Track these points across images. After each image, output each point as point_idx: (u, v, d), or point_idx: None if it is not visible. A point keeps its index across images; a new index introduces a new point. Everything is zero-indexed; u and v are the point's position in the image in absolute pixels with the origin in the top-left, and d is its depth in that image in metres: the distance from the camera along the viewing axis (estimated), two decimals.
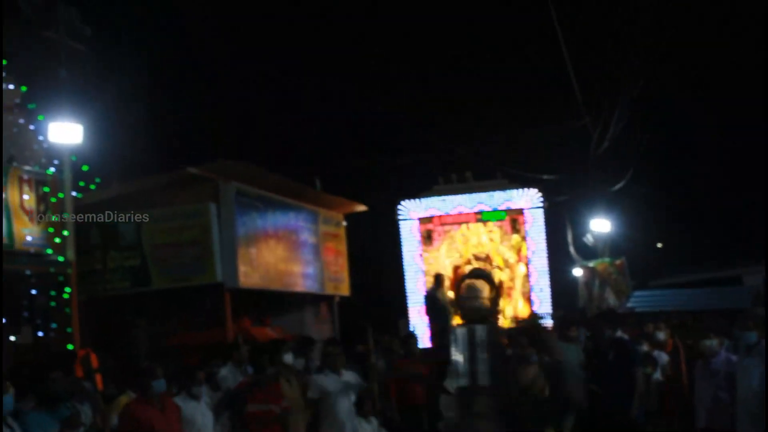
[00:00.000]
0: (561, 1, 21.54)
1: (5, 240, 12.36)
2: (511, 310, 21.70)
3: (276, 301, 18.27)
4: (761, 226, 28.17)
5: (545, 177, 23.67)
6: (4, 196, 12.48)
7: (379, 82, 24.62)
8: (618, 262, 22.80)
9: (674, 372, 12.31)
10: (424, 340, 19.04)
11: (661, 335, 13.30)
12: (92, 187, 14.76)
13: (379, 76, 24.93)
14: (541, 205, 22.03)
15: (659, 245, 36.08)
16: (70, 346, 12.56)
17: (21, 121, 13.53)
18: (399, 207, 22.14)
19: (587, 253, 25.68)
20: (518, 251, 22.04)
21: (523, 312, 21.41)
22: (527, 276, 21.96)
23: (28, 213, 13.00)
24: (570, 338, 14.28)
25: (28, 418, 8.17)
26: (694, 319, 13.77)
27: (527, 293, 21.88)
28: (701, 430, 10.95)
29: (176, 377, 10.31)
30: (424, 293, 20.80)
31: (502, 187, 22.27)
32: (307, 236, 18.84)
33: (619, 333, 12.86)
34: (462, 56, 25.21)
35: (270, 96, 23.92)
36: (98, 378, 8.98)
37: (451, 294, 20.88)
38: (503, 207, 22.03)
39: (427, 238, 22.13)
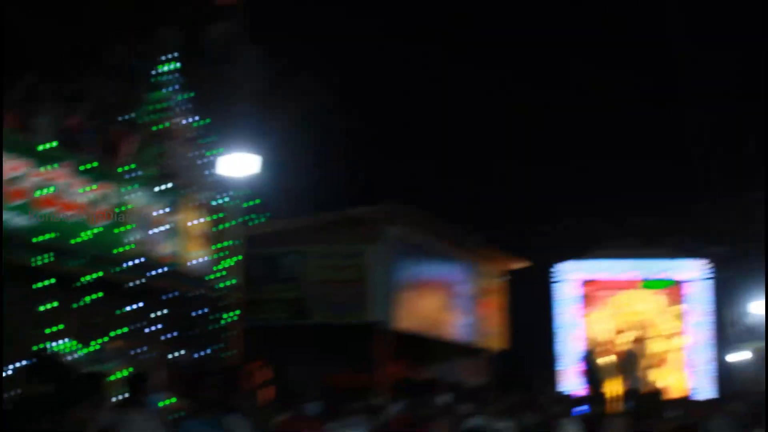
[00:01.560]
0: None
1: (175, 260, 12.75)
2: (666, 382, 21.08)
3: (429, 348, 18.20)
4: None
5: (714, 249, 23.00)
6: (178, 218, 12.90)
7: (552, 144, 24.57)
8: None
9: None
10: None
11: None
12: (261, 220, 15.11)
13: (554, 136, 24.84)
14: (708, 277, 21.39)
15: None
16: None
17: (198, 151, 14.01)
18: (560, 267, 21.87)
19: (755, 332, 24.77)
20: (678, 323, 21.44)
21: (679, 384, 20.81)
22: (686, 349, 21.32)
23: (199, 237, 13.37)
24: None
25: (182, 422, 8.29)
26: None
27: (685, 366, 21.22)
28: None
29: (332, 407, 10.40)
30: (581, 355, 20.45)
31: (668, 256, 21.76)
32: (465, 287, 18.80)
33: None
34: (637, 123, 24.89)
35: (442, 145, 24.03)
36: (267, 391, 9.12)
37: (606, 359, 20.49)
38: (667, 276, 21.49)
39: (586, 300, 21.76)
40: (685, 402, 17.93)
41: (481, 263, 19.69)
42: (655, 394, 19.61)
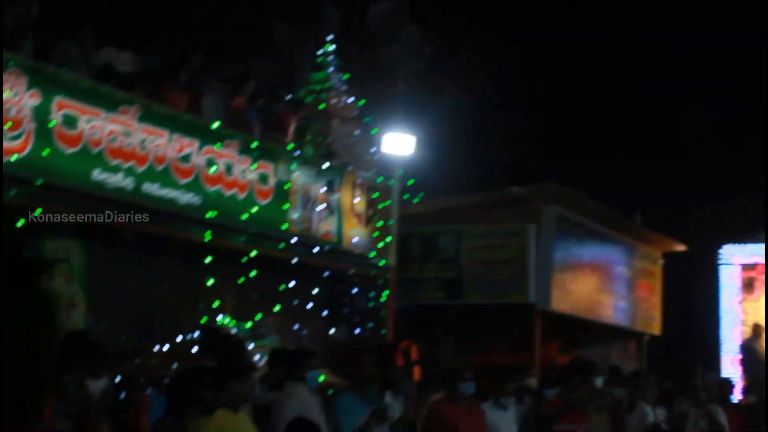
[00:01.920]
0: None
1: (334, 238, 13.02)
2: None
3: (583, 331, 18.04)
4: None
5: None
6: (338, 196, 13.16)
7: (717, 123, 23.87)
8: None
9: None
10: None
11: None
12: (416, 200, 15.23)
13: (719, 117, 24.12)
14: None
15: None
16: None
17: (358, 131, 14.22)
18: (721, 251, 21.29)
19: None
20: None
21: None
22: None
23: (357, 216, 13.61)
24: None
25: (339, 397, 8.48)
26: None
27: None
28: None
29: (487, 386, 10.48)
30: (741, 343, 19.89)
31: None
32: (622, 269, 18.54)
33: None
34: None
35: (603, 124, 23.62)
36: (417, 369, 9.25)
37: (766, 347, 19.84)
38: None
39: (749, 285, 21.11)
40: None
41: (639, 245, 19.38)
42: None
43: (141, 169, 10.39)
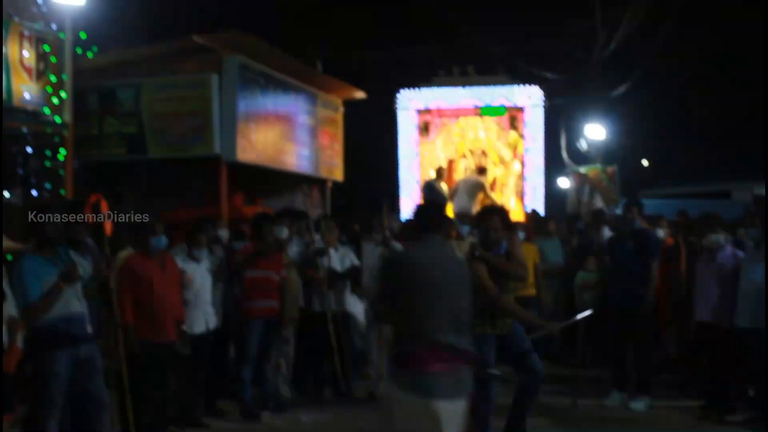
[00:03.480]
0: None
1: (3, 95, 12.07)
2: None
3: (269, 181, 18.10)
4: (751, 143, 28.21)
5: (549, 75, 23.44)
6: (4, 50, 12.16)
7: None
8: (609, 169, 22.76)
9: (673, 268, 12.22)
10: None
11: (661, 232, 13.17)
12: (90, 53, 14.42)
13: None
14: (541, 103, 21.75)
15: (645, 163, 36.07)
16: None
17: None
18: (398, 96, 21.90)
19: (579, 158, 25.66)
20: (514, 149, 21.87)
21: (516, 209, 21.30)
22: (521, 174, 21.82)
23: (27, 70, 12.68)
24: (548, 233, 14.52)
25: (23, 261, 8.00)
26: (694, 220, 13.56)
27: (520, 191, 21.78)
28: (699, 324, 10.93)
29: (177, 240, 10.30)
30: (424, 183, 20.69)
31: (503, 83, 22.00)
32: (305, 118, 18.59)
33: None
34: None
35: None
36: (109, 224, 8.84)
37: (446, 187, 20.81)
38: (503, 103, 21.77)
39: (424, 129, 21.94)
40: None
41: (321, 94, 19.47)
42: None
43: None
